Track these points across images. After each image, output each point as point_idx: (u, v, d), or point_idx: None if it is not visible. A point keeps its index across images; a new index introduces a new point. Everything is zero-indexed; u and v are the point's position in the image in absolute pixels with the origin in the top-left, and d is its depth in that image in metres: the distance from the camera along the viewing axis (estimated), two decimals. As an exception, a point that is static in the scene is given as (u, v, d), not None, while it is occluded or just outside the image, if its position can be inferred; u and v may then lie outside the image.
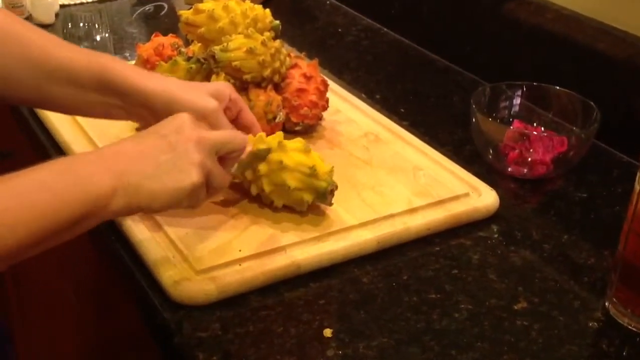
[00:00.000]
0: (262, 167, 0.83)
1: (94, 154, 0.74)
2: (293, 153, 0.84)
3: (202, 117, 0.78)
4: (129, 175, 0.68)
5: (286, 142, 0.84)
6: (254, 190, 0.85)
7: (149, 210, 0.73)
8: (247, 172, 0.84)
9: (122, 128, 1.00)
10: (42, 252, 0.65)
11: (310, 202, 0.84)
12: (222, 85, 0.85)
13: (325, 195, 0.83)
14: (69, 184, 0.66)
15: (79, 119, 1.01)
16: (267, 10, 1.04)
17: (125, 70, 0.80)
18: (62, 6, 1.42)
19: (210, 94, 0.81)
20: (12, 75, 0.79)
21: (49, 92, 0.80)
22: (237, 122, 0.85)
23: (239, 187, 0.88)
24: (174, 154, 0.71)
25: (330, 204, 0.85)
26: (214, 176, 0.74)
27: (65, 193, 0.65)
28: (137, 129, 0.99)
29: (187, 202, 0.73)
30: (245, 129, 0.85)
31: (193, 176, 0.71)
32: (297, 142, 0.85)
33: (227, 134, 0.78)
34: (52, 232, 0.64)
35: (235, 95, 0.85)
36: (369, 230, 0.84)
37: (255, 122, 0.88)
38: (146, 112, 0.80)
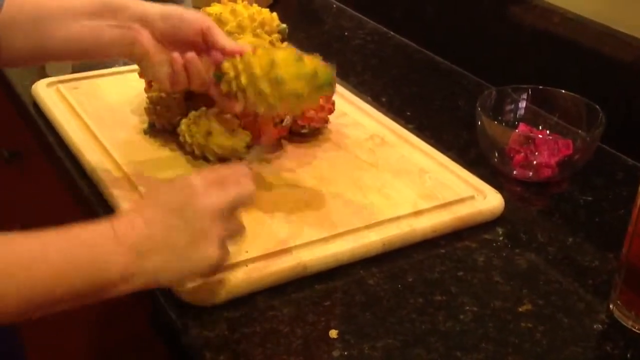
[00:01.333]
0: (256, 71, 0.81)
1: (108, 230, 0.66)
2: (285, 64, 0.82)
3: (199, 31, 0.82)
4: (146, 262, 0.66)
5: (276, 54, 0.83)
6: (250, 94, 0.82)
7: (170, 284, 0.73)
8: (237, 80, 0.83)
9: (130, 129, 1.01)
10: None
11: (306, 94, 0.81)
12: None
13: (322, 87, 0.81)
14: (84, 260, 0.64)
15: (87, 119, 1.01)
16: (274, 13, 1.04)
17: None
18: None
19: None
20: (10, 32, 0.82)
21: (45, 32, 0.82)
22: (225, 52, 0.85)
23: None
24: (191, 236, 0.68)
25: (333, 92, 0.85)
26: (232, 233, 0.73)
27: (78, 267, 0.64)
28: (145, 131, 1.00)
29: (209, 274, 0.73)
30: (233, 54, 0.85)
31: (212, 257, 0.69)
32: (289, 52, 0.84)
33: (235, 193, 0.72)
34: (56, 303, 0.64)
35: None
36: (374, 232, 0.85)
37: (239, 46, 0.86)
38: (141, 26, 0.82)
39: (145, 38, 0.83)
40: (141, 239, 0.66)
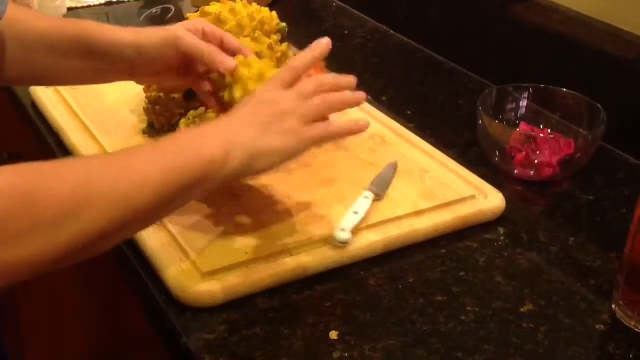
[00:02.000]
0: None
1: (210, 125, 0.76)
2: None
3: (173, 49, 0.83)
4: (237, 137, 0.72)
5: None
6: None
7: (263, 170, 0.75)
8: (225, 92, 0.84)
9: (129, 129, 1.00)
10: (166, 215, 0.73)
11: None
12: (195, 21, 0.88)
13: None
14: (186, 149, 0.70)
15: (86, 120, 1.01)
16: (274, 12, 1.04)
17: (99, 27, 0.84)
18: (70, 9, 1.42)
19: (186, 28, 0.84)
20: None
21: (33, 62, 0.83)
22: (224, 50, 0.86)
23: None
24: (279, 116, 0.74)
25: None
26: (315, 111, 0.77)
27: (181, 156, 0.69)
28: (144, 131, 1.00)
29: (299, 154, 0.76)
30: (234, 53, 0.86)
31: (297, 138, 0.74)
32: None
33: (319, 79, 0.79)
34: (173, 192, 0.67)
35: (210, 27, 0.87)
36: (375, 233, 0.84)
37: (242, 45, 0.87)
38: (128, 66, 0.83)
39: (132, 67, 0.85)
40: (235, 122, 0.74)
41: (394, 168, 0.95)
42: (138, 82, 0.93)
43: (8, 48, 0.82)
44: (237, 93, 0.81)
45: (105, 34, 0.83)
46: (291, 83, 0.77)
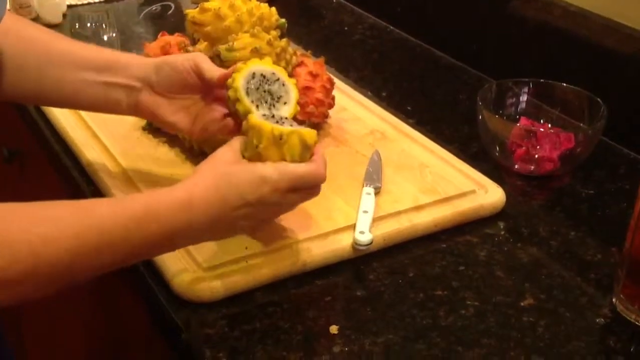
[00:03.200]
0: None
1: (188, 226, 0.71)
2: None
3: (190, 71, 0.81)
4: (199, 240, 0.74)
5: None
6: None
7: None
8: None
9: (129, 128, 1.00)
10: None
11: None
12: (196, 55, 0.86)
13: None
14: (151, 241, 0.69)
15: (86, 116, 1.01)
16: (273, 8, 1.04)
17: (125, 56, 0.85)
18: (70, 6, 1.42)
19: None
20: (19, 69, 0.82)
21: (51, 79, 0.83)
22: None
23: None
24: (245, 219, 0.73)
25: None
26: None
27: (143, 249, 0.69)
28: (144, 128, 1.00)
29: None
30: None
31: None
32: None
33: (301, 201, 0.76)
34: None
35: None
36: (375, 227, 0.84)
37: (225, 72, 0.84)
38: (142, 85, 0.83)
39: (146, 99, 0.83)
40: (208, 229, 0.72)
41: (378, 157, 0.95)
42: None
43: (27, 63, 0.83)
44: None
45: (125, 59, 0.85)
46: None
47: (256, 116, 0.75)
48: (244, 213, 0.71)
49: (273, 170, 0.71)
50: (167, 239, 0.69)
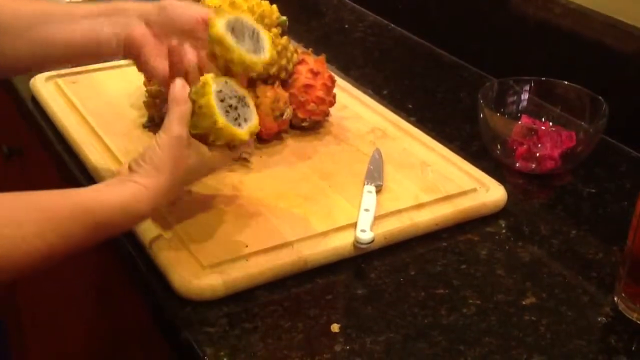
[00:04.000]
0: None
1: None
2: None
3: (197, 19, 0.82)
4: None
5: None
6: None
7: None
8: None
9: (129, 123, 1.00)
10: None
11: None
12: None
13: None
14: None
15: (86, 114, 1.01)
16: (274, 6, 1.03)
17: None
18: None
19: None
20: (7, 35, 0.83)
21: (44, 34, 0.83)
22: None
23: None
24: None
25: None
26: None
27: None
28: (144, 125, 1.00)
29: None
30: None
31: None
32: None
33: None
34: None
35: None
36: (376, 225, 0.84)
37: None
38: (138, 22, 0.83)
39: (139, 32, 0.83)
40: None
41: (379, 155, 0.95)
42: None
43: (16, 25, 0.83)
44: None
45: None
46: None
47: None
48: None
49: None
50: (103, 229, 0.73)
